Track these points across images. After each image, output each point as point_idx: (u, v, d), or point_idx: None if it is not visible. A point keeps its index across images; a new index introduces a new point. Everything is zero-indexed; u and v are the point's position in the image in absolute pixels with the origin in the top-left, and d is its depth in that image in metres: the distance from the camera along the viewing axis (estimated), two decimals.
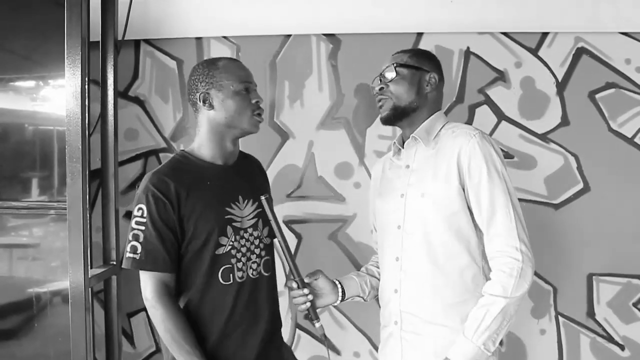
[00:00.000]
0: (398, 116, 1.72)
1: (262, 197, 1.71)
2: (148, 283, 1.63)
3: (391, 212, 1.73)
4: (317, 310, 1.78)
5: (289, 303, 2.44)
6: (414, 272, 1.66)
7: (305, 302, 1.73)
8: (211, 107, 1.72)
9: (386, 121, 1.74)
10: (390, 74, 1.70)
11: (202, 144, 1.76)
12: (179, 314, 1.63)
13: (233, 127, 1.73)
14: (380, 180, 1.87)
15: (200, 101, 1.72)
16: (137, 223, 1.63)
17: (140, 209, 1.64)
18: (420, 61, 1.73)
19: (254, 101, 1.74)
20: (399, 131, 1.82)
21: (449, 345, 1.57)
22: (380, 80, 1.74)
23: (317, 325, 1.76)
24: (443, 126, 1.73)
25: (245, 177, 1.82)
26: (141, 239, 1.62)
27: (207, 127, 1.74)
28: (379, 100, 1.74)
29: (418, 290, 1.65)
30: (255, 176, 1.92)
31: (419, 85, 1.71)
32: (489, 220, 1.57)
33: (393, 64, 1.71)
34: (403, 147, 1.77)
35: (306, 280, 1.77)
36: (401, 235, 1.68)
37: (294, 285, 1.75)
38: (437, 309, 1.62)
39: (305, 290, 1.73)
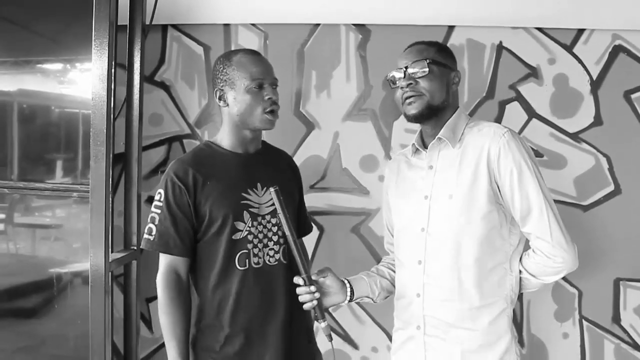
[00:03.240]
0: (429, 115, 1.63)
1: (272, 189, 1.70)
2: (160, 265, 1.73)
3: (413, 214, 1.68)
4: (325, 310, 1.74)
5: None
6: (438, 276, 1.62)
7: (311, 300, 1.69)
8: (226, 104, 1.78)
9: (415, 118, 1.65)
10: (422, 70, 1.60)
11: (223, 136, 1.83)
12: (178, 305, 1.71)
13: (246, 123, 1.77)
14: (396, 180, 1.82)
15: (216, 98, 1.79)
16: (155, 207, 1.74)
17: (159, 193, 1.74)
18: (447, 59, 1.67)
19: (266, 98, 1.74)
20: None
21: (476, 349, 1.58)
22: (405, 75, 1.63)
23: (323, 325, 1.71)
24: (466, 124, 1.68)
25: (267, 166, 1.85)
26: (156, 222, 1.72)
27: (226, 121, 1.81)
28: (409, 97, 1.63)
29: (443, 294, 1.62)
30: (281, 168, 1.94)
31: (447, 83, 1.65)
32: (524, 220, 1.57)
33: (425, 59, 1.61)
34: (425, 148, 1.71)
35: (314, 278, 1.73)
36: (425, 238, 1.64)
37: (301, 282, 1.71)
38: (463, 312, 1.60)
39: (312, 288, 1.69)
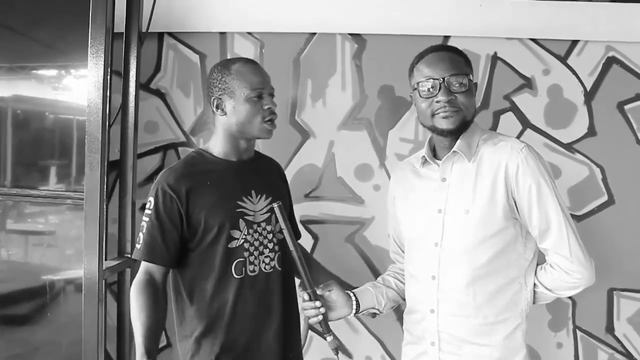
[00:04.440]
0: (462, 130, 1.61)
1: (275, 205, 1.71)
2: (139, 271, 1.71)
3: (426, 228, 1.66)
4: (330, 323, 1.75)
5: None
6: (453, 291, 1.60)
7: (317, 315, 1.70)
8: (223, 112, 1.76)
9: (450, 133, 1.60)
10: (462, 85, 1.57)
11: (216, 144, 1.81)
12: (147, 294, 1.66)
13: (244, 133, 1.77)
14: (404, 191, 1.79)
15: (213, 107, 1.77)
16: (145, 215, 1.72)
17: (149, 201, 1.71)
18: (471, 69, 1.65)
19: (265, 107, 1.75)
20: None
21: None
22: (441, 88, 1.56)
23: (329, 339, 1.72)
24: (481, 137, 1.65)
25: (259, 173, 1.85)
26: (144, 230, 1.70)
27: (221, 130, 1.79)
28: (446, 111, 1.57)
29: (458, 310, 1.60)
30: (273, 176, 1.95)
31: (475, 95, 1.65)
32: (542, 236, 1.56)
33: (465, 74, 1.58)
34: (436, 159, 1.68)
35: (319, 292, 1.73)
36: (438, 253, 1.62)
37: (306, 296, 1.71)
38: (478, 328, 1.59)
39: (318, 303, 1.70)
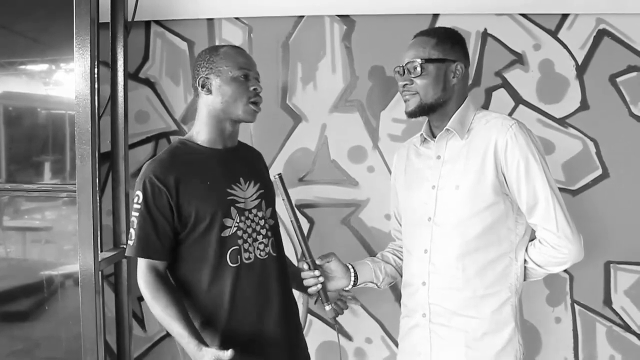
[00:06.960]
0: (423, 112, 1.66)
1: (276, 175, 1.72)
2: (140, 270, 1.67)
3: (421, 204, 1.70)
4: (328, 294, 1.79)
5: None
6: (443, 265, 1.64)
7: (315, 284, 1.74)
8: (209, 91, 1.74)
9: (410, 115, 1.68)
10: (415, 70, 1.62)
11: (200, 130, 1.78)
12: (165, 292, 1.64)
13: (228, 113, 1.74)
14: (405, 169, 1.83)
15: (199, 85, 1.75)
16: (134, 210, 1.68)
17: (137, 195, 1.67)
18: (446, 51, 1.64)
19: (251, 88, 1.73)
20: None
21: (480, 337, 1.61)
22: (404, 72, 1.65)
23: (328, 308, 1.76)
24: (475, 115, 1.68)
25: (244, 160, 1.84)
26: (136, 226, 1.66)
27: (205, 112, 1.77)
28: (404, 95, 1.67)
29: (448, 283, 1.64)
30: (256, 164, 1.94)
31: (445, 78, 1.64)
32: (530, 211, 1.59)
33: (418, 59, 1.62)
34: (433, 138, 1.72)
35: (318, 262, 1.77)
36: (431, 228, 1.66)
37: (305, 266, 1.75)
38: (467, 301, 1.62)
39: (317, 272, 1.73)
